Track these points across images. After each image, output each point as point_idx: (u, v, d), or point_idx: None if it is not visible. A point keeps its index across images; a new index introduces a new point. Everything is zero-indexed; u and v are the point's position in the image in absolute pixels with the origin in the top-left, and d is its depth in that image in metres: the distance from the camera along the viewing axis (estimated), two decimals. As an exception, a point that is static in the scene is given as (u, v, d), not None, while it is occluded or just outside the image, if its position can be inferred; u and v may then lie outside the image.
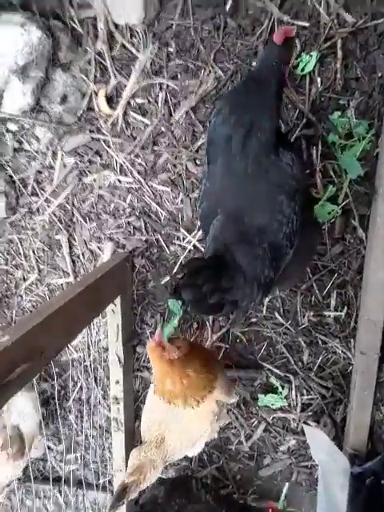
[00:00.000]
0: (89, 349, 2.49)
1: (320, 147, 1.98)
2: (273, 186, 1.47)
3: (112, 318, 2.28)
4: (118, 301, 2.22)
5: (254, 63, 1.96)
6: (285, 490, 2.46)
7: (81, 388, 2.61)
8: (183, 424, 1.84)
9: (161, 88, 2.12)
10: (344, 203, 2.04)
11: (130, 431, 2.54)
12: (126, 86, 2.13)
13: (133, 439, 2.58)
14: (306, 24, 1.89)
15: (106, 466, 2.71)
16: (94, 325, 2.45)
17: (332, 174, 2.03)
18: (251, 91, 1.47)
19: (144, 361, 2.47)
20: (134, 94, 2.14)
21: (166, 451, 1.83)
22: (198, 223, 2.17)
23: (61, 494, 2.79)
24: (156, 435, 1.83)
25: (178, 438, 1.85)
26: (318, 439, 2.26)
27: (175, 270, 2.27)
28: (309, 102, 1.96)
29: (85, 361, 2.53)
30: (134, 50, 2.10)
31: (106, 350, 2.42)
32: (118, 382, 2.39)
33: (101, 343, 2.48)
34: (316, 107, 1.98)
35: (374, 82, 1.90)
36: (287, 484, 2.45)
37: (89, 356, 2.50)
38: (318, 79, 1.94)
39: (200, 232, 2.16)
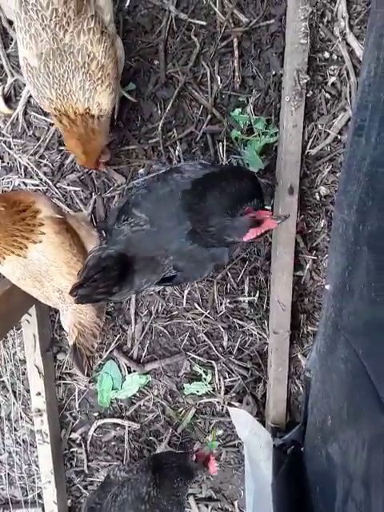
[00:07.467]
0: (5, 363, 2.14)
1: (225, 143, 1.89)
2: (209, 255, 1.44)
3: (27, 328, 1.99)
4: (32, 310, 1.93)
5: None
6: (218, 432, 2.33)
7: (-1, 405, 2.25)
8: (40, 260, 1.47)
9: (62, 86, 1.86)
10: (249, 195, 1.97)
11: (57, 441, 2.26)
12: (24, 84, 1.85)
13: (60, 448, 2.29)
14: (204, 23, 1.79)
15: (33, 480, 2.38)
16: (9, 337, 2.12)
17: (237, 168, 1.95)
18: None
19: (66, 368, 2.19)
20: (33, 92, 1.86)
21: (59, 288, 1.53)
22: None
23: (-14, 520, 2.40)
24: (34, 283, 1.53)
25: (52, 270, 1.51)
26: (241, 418, 2.20)
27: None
28: (212, 98, 1.86)
29: (1, 376, 2.18)
30: (29, 47, 1.82)
31: (24, 361, 2.10)
32: (39, 394, 2.10)
33: (17, 355, 2.16)
34: (218, 104, 1.89)
35: (269, 79, 1.86)
36: (220, 430, 2.32)
37: (6, 370, 2.15)
38: (218, 77, 1.85)
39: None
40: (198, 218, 1.32)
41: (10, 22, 1.82)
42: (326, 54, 1.83)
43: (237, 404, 2.23)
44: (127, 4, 1.77)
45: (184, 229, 1.35)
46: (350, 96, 1.86)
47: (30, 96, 1.86)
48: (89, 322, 1.66)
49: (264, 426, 2.17)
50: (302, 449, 2.03)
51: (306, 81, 1.77)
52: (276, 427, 2.16)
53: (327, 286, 1.65)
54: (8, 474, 2.39)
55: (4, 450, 2.35)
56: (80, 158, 1.60)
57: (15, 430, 2.30)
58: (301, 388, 2.21)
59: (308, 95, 1.85)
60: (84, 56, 1.36)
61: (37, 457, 2.27)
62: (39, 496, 2.39)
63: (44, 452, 2.21)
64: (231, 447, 2.32)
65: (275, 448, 2.10)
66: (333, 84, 1.87)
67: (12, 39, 1.83)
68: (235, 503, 2.41)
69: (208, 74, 1.85)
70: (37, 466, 2.32)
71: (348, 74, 1.84)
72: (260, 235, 1.26)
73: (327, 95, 1.88)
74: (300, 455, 2.03)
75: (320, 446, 1.67)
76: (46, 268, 1.48)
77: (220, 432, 2.31)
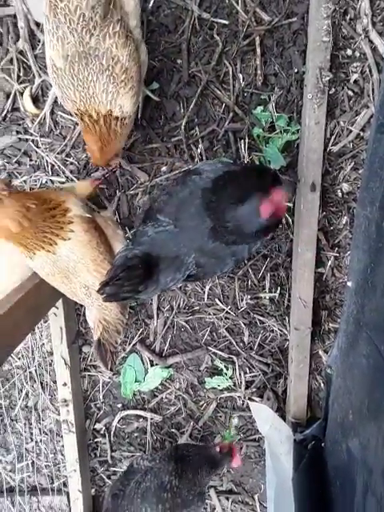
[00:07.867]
0: (33, 354, 2.22)
1: (247, 140, 1.91)
2: (230, 250, 1.46)
3: (55, 321, 2.06)
4: (59, 303, 2.00)
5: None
6: (235, 422, 2.36)
7: (27, 395, 2.33)
8: (69, 256, 1.51)
9: (88, 86, 1.92)
10: (271, 192, 1.98)
11: (82, 431, 2.33)
12: (51, 84, 1.90)
13: (85, 438, 2.36)
14: (226, 22, 1.80)
15: (59, 468, 2.46)
16: (37, 329, 2.19)
17: (258, 165, 1.96)
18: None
19: (91, 360, 2.26)
20: (60, 93, 1.92)
21: (86, 284, 1.57)
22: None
23: (13, 506, 2.49)
24: (62, 278, 1.57)
25: (80, 267, 1.55)
26: (262, 413, 2.22)
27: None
28: (234, 96, 1.88)
29: (29, 367, 2.26)
30: (56, 49, 1.87)
31: (51, 353, 2.18)
32: (65, 385, 2.17)
33: (44, 347, 2.23)
34: (240, 102, 1.91)
35: (291, 77, 1.86)
36: (235, 419, 2.35)
37: (33, 361, 2.23)
38: (240, 75, 1.87)
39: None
40: (217, 216, 1.35)
41: (38, 24, 1.87)
42: (349, 52, 1.82)
43: (257, 399, 2.25)
44: (150, 4, 1.81)
45: (205, 227, 1.38)
46: (373, 93, 1.85)
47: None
48: (113, 319, 1.71)
49: (284, 421, 2.19)
50: (323, 444, 2.05)
51: (328, 78, 1.77)
52: (297, 422, 2.18)
53: (349, 283, 1.66)
54: (35, 462, 2.48)
55: (31, 438, 2.44)
56: (95, 156, 1.64)
57: (42, 419, 2.38)
58: (322, 384, 2.21)
59: (330, 92, 1.84)
60: (108, 59, 1.40)
61: (62, 446, 2.35)
62: (64, 484, 2.47)
63: (69, 441, 2.27)
64: (252, 441, 2.35)
65: (296, 443, 2.12)
66: (355, 81, 1.86)
67: (39, 41, 1.89)
68: (255, 497, 2.44)
69: (230, 73, 1.86)
70: (62, 454, 2.40)
71: (370, 71, 1.83)
72: (278, 210, 1.26)
73: (350, 92, 1.87)
74: (320, 450, 2.04)
75: (340, 441, 1.68)
76: (74, 265, 1.53)
77: (236, 421, 2.34)
